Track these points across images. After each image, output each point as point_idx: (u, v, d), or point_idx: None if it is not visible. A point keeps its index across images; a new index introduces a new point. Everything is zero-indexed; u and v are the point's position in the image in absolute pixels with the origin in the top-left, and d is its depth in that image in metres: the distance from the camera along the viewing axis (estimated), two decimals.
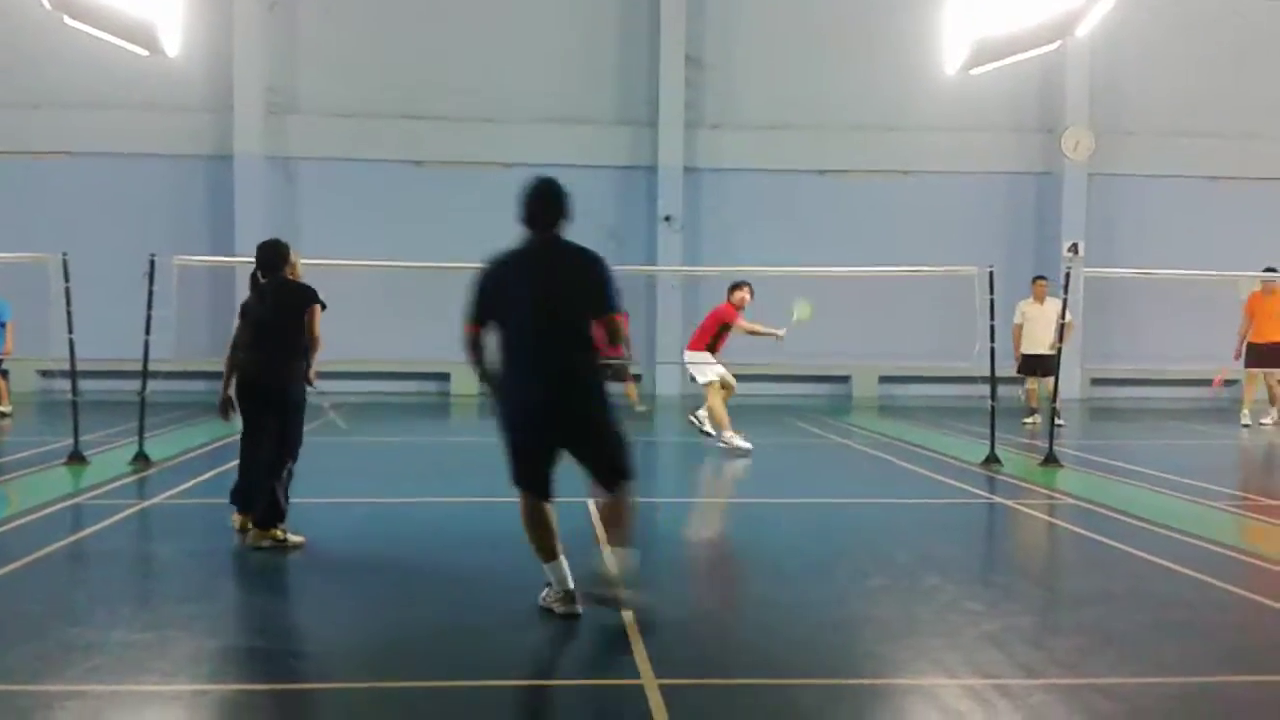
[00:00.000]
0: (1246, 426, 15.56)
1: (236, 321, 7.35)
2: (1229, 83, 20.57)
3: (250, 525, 7.09)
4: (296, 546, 7.01)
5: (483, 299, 5.40)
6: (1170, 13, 19.99)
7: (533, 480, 5.42)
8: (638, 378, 18.40)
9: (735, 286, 12.62)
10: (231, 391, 7.27)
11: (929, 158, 20.52)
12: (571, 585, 5.45)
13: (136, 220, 18.93)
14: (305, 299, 7.14)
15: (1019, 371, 15.90)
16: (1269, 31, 20.57)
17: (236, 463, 7.47)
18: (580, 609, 5.42)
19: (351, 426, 12.62)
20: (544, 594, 5.58)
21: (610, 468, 5.40)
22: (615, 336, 5.40)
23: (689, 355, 12.88)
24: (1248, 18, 20.48)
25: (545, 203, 5.52)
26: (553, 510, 5.48)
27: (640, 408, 16.33)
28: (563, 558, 5.50)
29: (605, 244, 19.92)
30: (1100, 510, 8.76)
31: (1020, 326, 15.72)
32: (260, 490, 7.02)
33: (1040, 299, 15.72)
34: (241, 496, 7.30)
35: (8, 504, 8.56)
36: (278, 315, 7.11)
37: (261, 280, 7.32)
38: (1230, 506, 8.99)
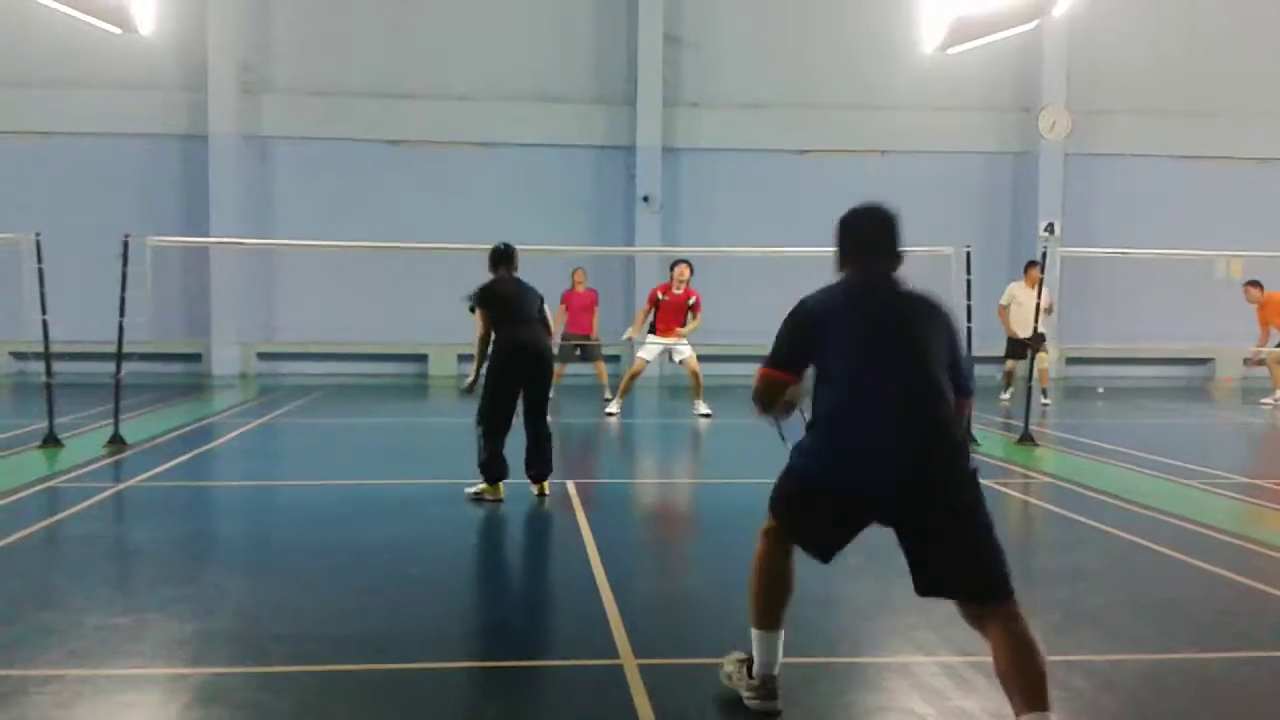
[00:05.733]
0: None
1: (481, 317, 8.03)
2: (1205, 62, 20.64)
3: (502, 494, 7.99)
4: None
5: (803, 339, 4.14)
6: None
7: (819, 542, 4.06)
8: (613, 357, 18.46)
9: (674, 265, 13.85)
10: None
11: (906, 137, 20.51)
12: (776, 672, 4.17)
13: (110, 201, 18.75)
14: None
15: (1008, 355, 15.95)
16: (1245, 11, 20.64)
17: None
18: (780, 708, 4.15)
19: (337, 408, 12.52)
20: (730, 670, 4.33)
21: (981, 575, 3.80)
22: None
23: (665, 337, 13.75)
24: None
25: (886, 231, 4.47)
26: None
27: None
28: (781, 633, 4.19)
29: (583, 224, 19.97)
30: (1076, 489, 8.83)
31: (1007, 308, 15.70)
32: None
33: (1033, 284, 15.77)
34: (492, 469, 8.01)
35: None
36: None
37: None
38: (1206, 485, 9.07)
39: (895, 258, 4.39)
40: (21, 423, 11.77)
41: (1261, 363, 16.59)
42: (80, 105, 19.17)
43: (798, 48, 20.39)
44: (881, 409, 3.88)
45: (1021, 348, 15.48)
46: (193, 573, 6.20)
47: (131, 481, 8.89)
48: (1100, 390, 17.30)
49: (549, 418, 8.15)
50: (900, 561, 5.39)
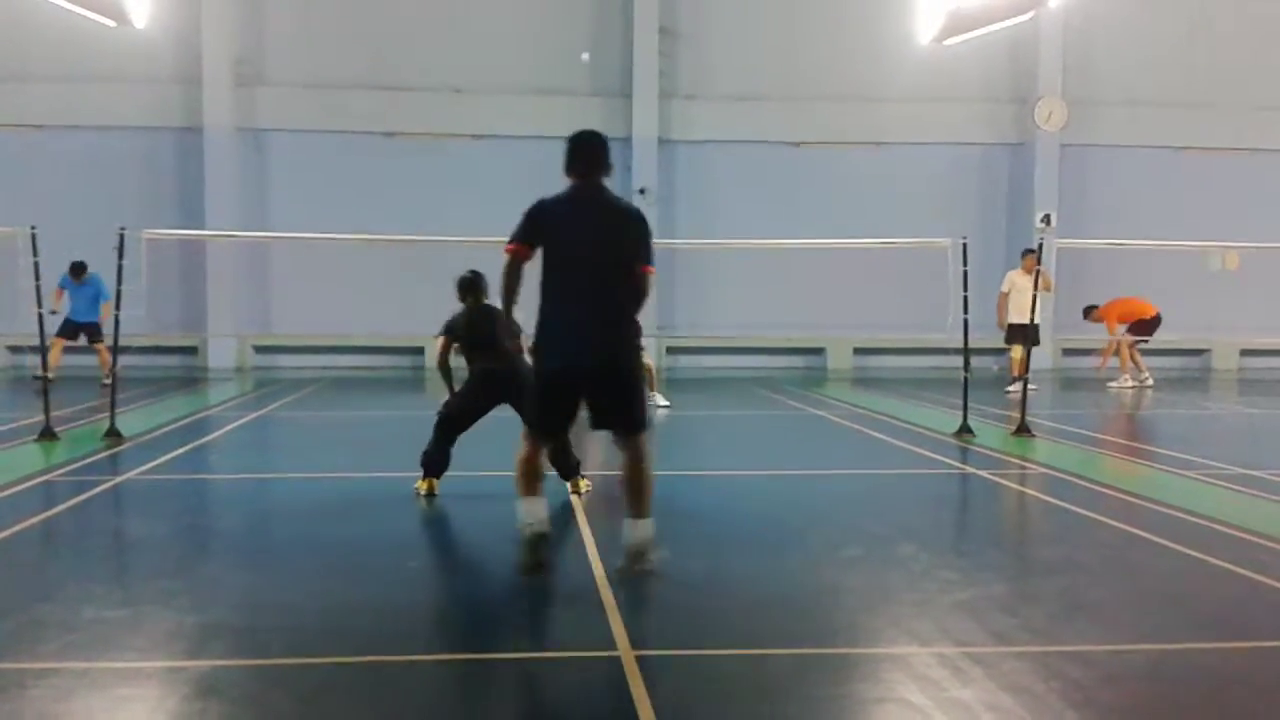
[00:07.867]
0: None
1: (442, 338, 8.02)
2: (1200, 53, 20.65)
3: (436, 490, 7.80)
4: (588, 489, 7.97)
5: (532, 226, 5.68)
6: None
7: (556, 426, 5.91)
8: None
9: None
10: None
11: (902, 128, 20.51)
12: (545, 519, 5.80)
13: (106, 193, 18.69)
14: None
15: (1007, 341, 16.04)
16: (1240, 2, 20.63)
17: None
18: (545, 549, 5.80)
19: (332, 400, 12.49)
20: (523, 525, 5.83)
21: (630, 419, 5.75)
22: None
23: None
24: None
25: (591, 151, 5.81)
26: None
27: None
28: (542, 498, 5.83)
29: None
30: (1072, 479, 8.83)
31: (1007, 295, 15.82)
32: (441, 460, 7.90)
33: (1030, 271, 15.81)
34: (432, 465, 7.89)
35: None
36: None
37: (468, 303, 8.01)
38: (1201, 475, 9.08)
39: (602, 171, 5.74)
40: (18, 416, 11.75)
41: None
42: (75, 98, 19.12)
43: (793, 39, 20.37)
44: (580, 311, 5.57)
45: (1024, 334, 15.46)
46: (190, 566, 6.20)
47: (128, 475, 8.87)
48: (1111, 386, 17.43)
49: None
50: (897, 554, 5.39)
